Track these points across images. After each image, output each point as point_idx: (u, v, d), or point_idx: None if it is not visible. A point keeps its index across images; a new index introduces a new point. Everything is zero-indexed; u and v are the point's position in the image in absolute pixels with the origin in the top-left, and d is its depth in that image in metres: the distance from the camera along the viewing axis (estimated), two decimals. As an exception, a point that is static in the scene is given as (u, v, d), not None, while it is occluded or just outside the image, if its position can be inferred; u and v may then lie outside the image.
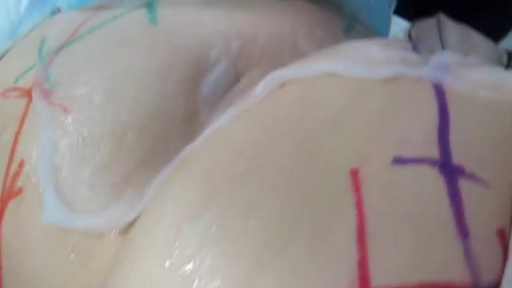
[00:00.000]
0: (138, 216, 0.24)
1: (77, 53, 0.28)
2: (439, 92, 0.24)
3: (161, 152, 0.25)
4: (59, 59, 0.28)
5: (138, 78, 0.26)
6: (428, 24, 0.58)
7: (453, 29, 0.57)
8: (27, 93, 0.27)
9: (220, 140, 0.24)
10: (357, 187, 0.20)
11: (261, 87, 0.25)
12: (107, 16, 0.29)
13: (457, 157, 0.21)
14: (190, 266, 0.19)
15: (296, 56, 0.29)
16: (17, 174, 0.26)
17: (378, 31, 0.36)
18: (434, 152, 0.21)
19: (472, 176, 0.21)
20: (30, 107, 0.27)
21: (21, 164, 0.26)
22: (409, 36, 0.60)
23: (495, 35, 0.60)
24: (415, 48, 0.29)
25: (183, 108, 0.26)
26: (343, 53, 0.26)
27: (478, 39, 0.56)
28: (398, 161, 0.21)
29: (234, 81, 0.28)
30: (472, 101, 0.24)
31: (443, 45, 0.56)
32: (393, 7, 0.40)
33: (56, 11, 0.34)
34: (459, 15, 0.58)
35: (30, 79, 0.28)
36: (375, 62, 0.25)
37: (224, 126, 0.24)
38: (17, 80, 0.29)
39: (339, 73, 0.24)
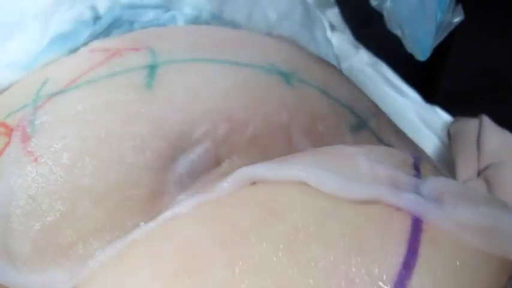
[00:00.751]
0: (73, 288, 0.23)
1: (67, 103, 0.27)
2: (416, 230, 0.22)
3: (114, 227, 0.24)
4: (49, 105, 0.27)
5: (113, 144, 0.25)
6: (469, 124, 0.55)
7: (494, 134, 0.54)
8: (10, 133, 0.27)
9: (169, 230, 0.22)
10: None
11: (229, 182, 0.24)
12: (108, 70, 0.29)
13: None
14: None
15: (288, 152, 0.28)
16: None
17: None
18: None
19: None
20: (7, 148, 0.27)
21: (-19, 206, 0.26)
22: (448, 134, 0.57)
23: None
24: (416, 167, 0.27)
25: (148, 187, 0.25)
26: (326, 159, 0.25)
27: (520, 150, 0.53)
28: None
29: (214, 165, 0.27)
30: (452, 249, 0.21)
31: (479, 149, 0.53)
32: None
33: (75, 49, 0.34)
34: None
35: (19, 118, 0.28)
36: (356, 177, 0.23)
37: (179, 216, 0.23)
38: (7, 116, 0.29)
39: (311, 183, 0.23)
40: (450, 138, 0.56)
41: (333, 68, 0.37)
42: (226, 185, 0.24)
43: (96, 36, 0.35)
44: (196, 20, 0.37)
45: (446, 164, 0.52)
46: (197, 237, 0.22)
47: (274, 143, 0.28)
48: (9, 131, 0.28)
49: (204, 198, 0.24)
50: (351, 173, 0.23)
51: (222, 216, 0.22)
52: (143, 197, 0.24)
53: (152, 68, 0.29)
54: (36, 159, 0.25)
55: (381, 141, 0.33)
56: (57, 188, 0.24)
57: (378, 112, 0.35)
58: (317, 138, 0.29)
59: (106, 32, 0.36)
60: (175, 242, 0.22)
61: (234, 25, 0.39)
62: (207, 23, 0.38)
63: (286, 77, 0.30)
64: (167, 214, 0.23)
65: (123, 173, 0.24)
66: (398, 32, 0.35)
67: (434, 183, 0.24)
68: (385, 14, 0.34)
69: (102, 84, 0.28)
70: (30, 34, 0.36)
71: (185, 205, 0.23)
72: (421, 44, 0.34)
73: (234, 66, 0.30)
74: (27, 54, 0.35)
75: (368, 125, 0.33)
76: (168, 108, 0.27)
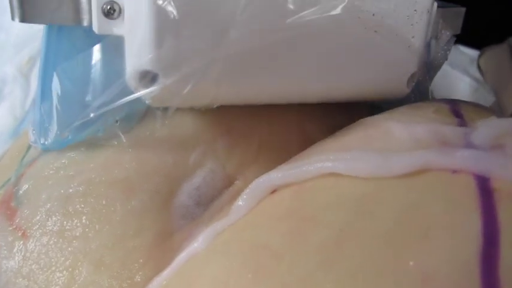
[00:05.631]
0: None
1: (47, 162, 0.23)
2: (485, 192, 0.16)
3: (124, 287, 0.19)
4: (31, 170, 0.23)
5: (100, 194, 0.21)
6: (499, 52, 0.48)
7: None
8: (-1, 211, 0.23)
9: (190, 274, 0.18)
10: None
11: (244, 199, 0.19)
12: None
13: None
14: None
15: (307, 144, 0.23)
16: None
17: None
18: None
19: None
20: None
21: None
22: (479, 68, 0.50)
23: None
24: (456, 112, 0.21)
25: (152, 230, 0.20)
26: (351, 139, 0.19)
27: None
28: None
29: (226, 185, 0.22)
30: None
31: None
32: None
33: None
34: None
35: (3, 194, 0.24)
36: (394, 147, 0.18)
37: (198, 254, 0.18)
38: None
39: (341, 172, 0.17)
40: (482, 73, 0.49)
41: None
42: (242, 203, 0.19)
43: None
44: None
45: (487, 103, 0.46)
46: (225, 274, 0.17)
47: (288, 142, 0.23)
48: (-3, 209, 0.24)
49: (221, 226, 0.19)
50: (386, 145, 0.18)
51: (247, 241, 0.17)
52: (149, 244, 0.20)
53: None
54: (24, 233, 0.21)
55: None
56: (50, 261, 0.20)
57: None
58: (333, 124, 0.24)
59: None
60: (201, 286, 0.17)
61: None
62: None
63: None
64: (182, 256, 0.19)
65: (118, 223, 0.20)
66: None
67: (487, 127, 0.19)
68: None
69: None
70: (13, 98, 0.33)
71: (200, 240, 0.19)
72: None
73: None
74: (14, 119, 0.31)
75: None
76: (152, 140, 0.22)
